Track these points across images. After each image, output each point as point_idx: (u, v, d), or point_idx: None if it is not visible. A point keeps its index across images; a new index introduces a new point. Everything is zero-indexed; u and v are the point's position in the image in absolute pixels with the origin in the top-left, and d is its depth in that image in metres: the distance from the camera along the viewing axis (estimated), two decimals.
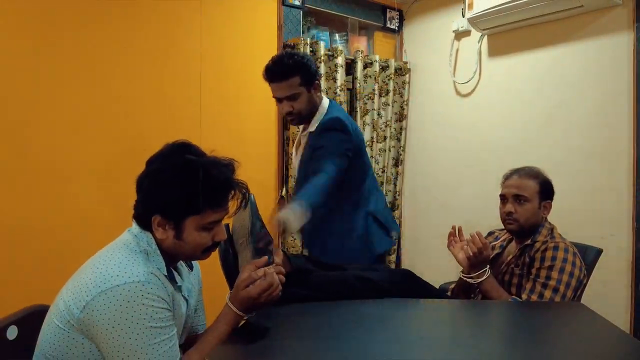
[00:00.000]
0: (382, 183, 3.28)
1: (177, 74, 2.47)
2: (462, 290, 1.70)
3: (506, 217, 1.72)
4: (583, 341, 1.19)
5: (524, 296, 1.59)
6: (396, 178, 3.38)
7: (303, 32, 2.96)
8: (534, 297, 1.55)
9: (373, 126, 3.19)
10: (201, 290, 1.32)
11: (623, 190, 2.39)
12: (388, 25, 3.41)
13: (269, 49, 2.78)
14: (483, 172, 2.94)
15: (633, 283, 2.35)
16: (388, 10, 3.40)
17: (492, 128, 2.94)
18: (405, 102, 3.36)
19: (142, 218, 1.10)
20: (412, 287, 1.56)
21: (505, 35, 2.87)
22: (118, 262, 1.03)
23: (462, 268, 1.67)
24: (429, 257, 3.25)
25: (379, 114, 3.25)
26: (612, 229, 2.41)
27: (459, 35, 3.13)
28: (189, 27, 2.50)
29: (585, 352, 1.12)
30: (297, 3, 2.88)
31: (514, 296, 1.63)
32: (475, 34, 3.01)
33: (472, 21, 2.78)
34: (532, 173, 1.74)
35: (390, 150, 3.34)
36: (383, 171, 3.29)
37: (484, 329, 1.25)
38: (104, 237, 1.18)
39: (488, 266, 1.64)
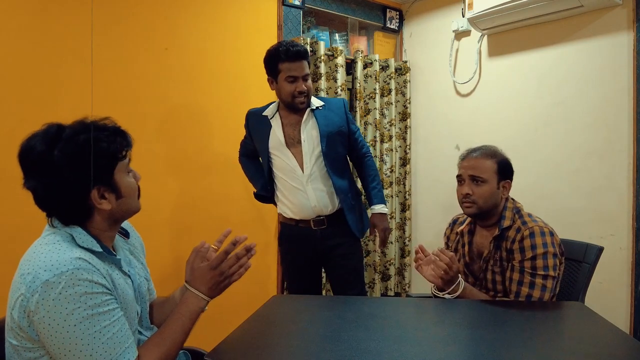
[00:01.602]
0: (391, 183, 3.29)
1: (176, 74, 2.46)
2: None
3: (463, 200, 1.64)
4: (583, 341, 1.19)
5: (514, 288, 1.55)
6: (405, 178, 3.38)
7: (303, 32, 2.96)
8: (525, 289, 1.52)
9: (375, 126, 3.19)
10: (144, 254, 1.30)
11: (623, 190, 2.39)
12: (388, 25, 3.42)
13: None
14: None
15: (633, 283, 2.35)
16: (388, 10, 3.41)
17: (492, 128, 2.94)
18: (407, 101, 3.36)
19: (73, 208, 1.05)
20: None
21: (505, 35, 2.87)
22: (42, 256, 0.98)
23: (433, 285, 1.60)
24: None
25: (382, 114, 3.25)
26: (612, 229, 2.42)
27: (459, 35, 3.13)
28: (189, 26, 2.50)
29: (585, 352, 1.12)
30: (297, 3, 2.88)
31: (499, 296, 1.61)
32: (475, 34, 3.01)
33: (472, 21, 2.78)
34: (489, 152, 1.66)
35: (397, 150, 3.35)
36: (391, 171, 3.29)
37: (484, 329, 1.25)
38: None
39: (460, 278, 1.57)
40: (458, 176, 1.68)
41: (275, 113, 2.14)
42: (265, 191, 2.23)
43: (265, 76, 2.11)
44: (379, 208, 2.20)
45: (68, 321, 0.94)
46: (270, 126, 2.13)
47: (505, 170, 1.65)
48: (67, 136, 1.03)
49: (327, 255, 2.19)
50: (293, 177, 2.11)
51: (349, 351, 1.06)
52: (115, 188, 1.07)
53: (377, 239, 2.15)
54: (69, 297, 0.94)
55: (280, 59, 2.01)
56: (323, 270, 2.37)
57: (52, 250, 0.99)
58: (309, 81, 2.07)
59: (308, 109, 2.11)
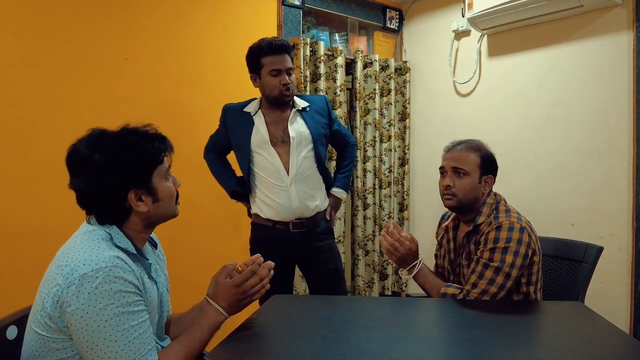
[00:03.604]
0: (389, 183, 3.29)
1: (176, 74, 2.46)
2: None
3: (444, 192, 1.63)
4: (583, 341, 1.19)
5: (467, 274, 1.54)
6: (403, 178, 3.38)
7: (303, 32, 2.96)
8: (474, 278, 1.50)
9: (375, 126, 3.19)
10: (165, 266, 1.33)
11: (623, 190, 2.39)
12: (388, 25, 3.42)
13: None
14: None
15: (633, 283, 2.35)
16: (388, 10, 3.41)
17: (492, 128, 2.94)
18: (407, 101, 3.36)
19: (112, 208, 1.10)
20: None
21: (505, 35, 2.87)
22: (82, 251, 1.02)
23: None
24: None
25: (381, 114, 3.26)
26: (612, 229, 2.42)
27: (459, 35, 3.14)
28: (189, 26, 2.50)
29: (585, 352, 1.12)
30: (297, 3, 2.88)
31: (449, 283, 1.59)
32: (475, 34, 3.01)
33: (472, 21, 2.78)
34: (473, 146, 1.65)
35: (395, 150, 3.35)
36: (390, 171, 3.29)
37: (484, 328, 1.25)
38: None
39: (419, 259, 1.63)
40: (441, 168, 1.68)
41: (258, 110, 2.07)
42: (242, 188, 2.12)
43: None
44: (337, 192, 2.21)
45: (100, 316, 0.97)
46: (252, 123, 2.05)
47: (488, 165, 1.64)
48: (108, 140, 1.09)
49: (307, 259, 2.11)
50: (276, 176, 2.03)
51: (349, 351, 1.06)
52: (152, 191, 1.12)
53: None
54: (104, 293, 0.97)
55: (263, 53, 1.99)
56: (300, 273, 2.30)
57: (92, 247, 1.03)
58: (293, 76, 2.04)
59: (294, 110, 2.07)
